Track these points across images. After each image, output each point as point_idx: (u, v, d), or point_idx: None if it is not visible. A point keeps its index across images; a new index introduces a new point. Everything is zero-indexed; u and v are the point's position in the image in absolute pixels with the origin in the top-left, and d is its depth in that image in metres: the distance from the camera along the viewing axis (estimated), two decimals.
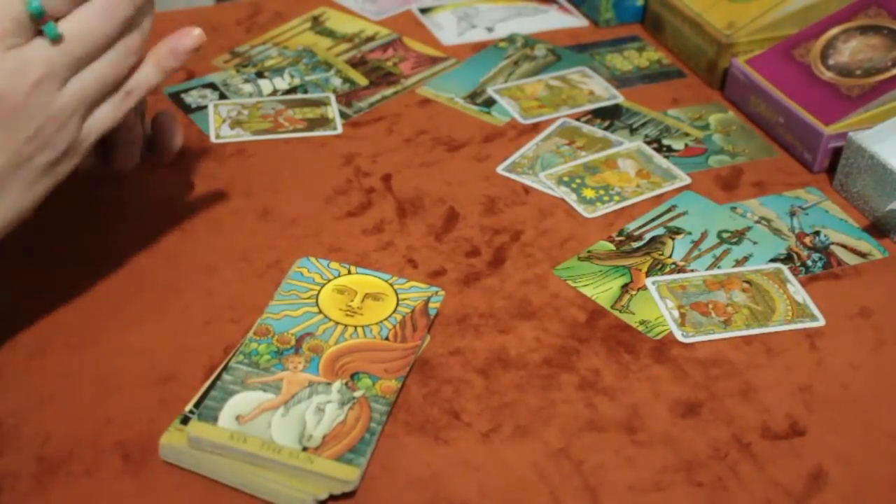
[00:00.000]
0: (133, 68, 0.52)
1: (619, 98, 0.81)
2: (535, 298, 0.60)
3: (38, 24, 0.47)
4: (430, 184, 0.70)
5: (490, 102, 0.80)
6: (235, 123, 0.75)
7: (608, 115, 0.79)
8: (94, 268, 0.61)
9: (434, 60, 0.86)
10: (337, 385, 0.51)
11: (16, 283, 0.59)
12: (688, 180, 0.71)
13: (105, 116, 0.51)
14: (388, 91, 0.81)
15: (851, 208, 0.69)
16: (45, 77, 0.47)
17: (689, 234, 0.66)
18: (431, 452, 0.50)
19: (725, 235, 0.66)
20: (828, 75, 0.74)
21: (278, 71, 0.82)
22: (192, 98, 0.78)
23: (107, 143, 0.59)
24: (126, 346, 0.55)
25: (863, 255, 0.65)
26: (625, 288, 0.61)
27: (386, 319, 0.56)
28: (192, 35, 0.53)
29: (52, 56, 0.47)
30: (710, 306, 0.60)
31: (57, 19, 0.48)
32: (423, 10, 0.94)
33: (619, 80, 0.84)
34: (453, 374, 0.55)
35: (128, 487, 0.48)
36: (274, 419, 0.49)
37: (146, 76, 0.52)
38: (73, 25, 0.48)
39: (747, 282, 0.62)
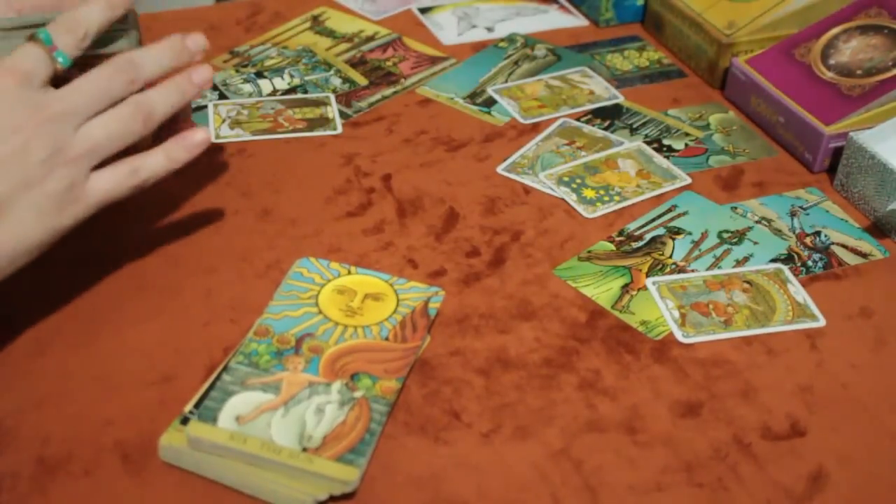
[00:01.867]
0: (141, 140, 0.56)
1: (620, 98, 0.81)
2: (535, 299, 0.60)
3: (50, 51, 0.53)
4: (430, 184, 0.70)
5: (490, 102, 0.80)
6: (235, 123, 0.75)
7: (608, 115, 0.79)
8: (94, 268, 0.61)
9: (434, 60, 0.86)
10: (337, 385, 0.51)
11: (16, 283, 0.58)
12: (688, 180, 0.71)
13: (111, 181, 0.55)
14: (388, 91, 0.81)
15: (852, 208, 0.69)
16: (60, 114, 0.52)
17: (690, 234, 0.66)
18: (431, 453, 0.50)
19: (726, 236, 0.66)
20: (828, 75, 0.74)
21: (278, 71, 0.82)
22: None
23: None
24: (126, 346, 0.55)
25: (863, 255, 0.65)
26: (625, 288, 0.61)
27: (386, 320, 0.56)
28: (200, 133, 0.59)
29: (69, 99, 0.53)
30: (711, 306, 0.60)
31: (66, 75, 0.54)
32: (423, 10, 0.93)
33: (620, 80, 0.83)
34: (453, 374, 0.55)
35: (127, 487, 0.48)
36: (274, 420, 0.49)
37: (156, 163, 0.57)
38: (85, 79, 0.54)
39: (748, 282, 0.62)
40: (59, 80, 0.54)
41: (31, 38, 0.53)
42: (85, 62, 0.55)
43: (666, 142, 0.76)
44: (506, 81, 0.83)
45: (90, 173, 0.54)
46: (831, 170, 0.72)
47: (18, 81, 0.52)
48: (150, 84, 0.57)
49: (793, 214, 0.68)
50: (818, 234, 0.66)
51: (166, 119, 0.57)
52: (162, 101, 0.57)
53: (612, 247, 0.65)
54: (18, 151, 0.51)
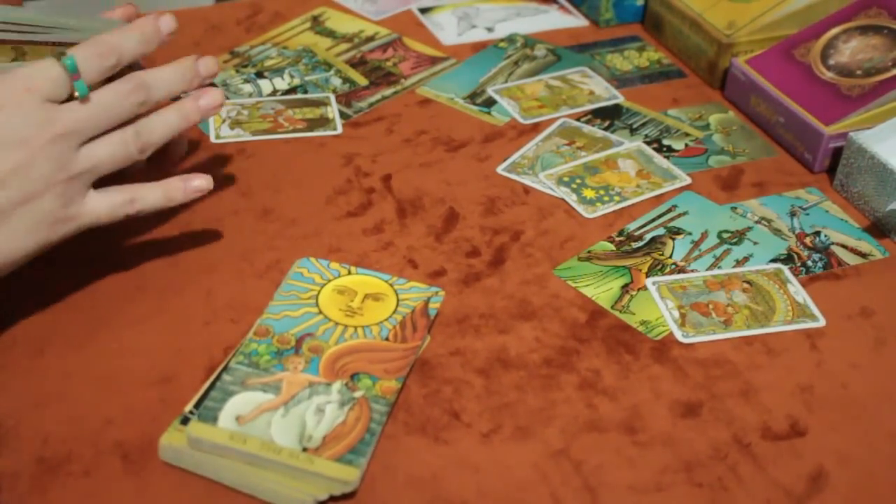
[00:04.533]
0: (136, 170, 0.58)
1: (619, 98, 0.81)
2: (535, 299, 0.60)
3: (72, 79, 0.52)
4: (430, 184, 0.70)
5: (490, 102, 0.80)
6: (235, 123, 0.75)
7: (608, 115, 0.79)
8: (94, 268, 0.61)
9: (434, 60, 0.86)
10: (337, 385, 0.51)
11: (16, 283, 0.58)
12: (688, 180, 0.71)
13: (107, 206, 0.55)
14: (388, 91, 0.81)
15: (852, 208, 0.69)
16: (67, 133, 0.52)
17: (690, 234, 0.66)
18: (431, 453, 0.50)
19: (726, 236, 0.66)
20: (828, 75, 0.74)
21: (278, 71, 0.82)
22: None
23: None
24: (126, 346, 0.55)
25: (863, 255, 0.65)
26: (625, 288, 0.61)
27: (386, 320, 0.56)
28: (200, 179, 0.59)
29: (78, 117, 0.53)
30: (711, 306, 0.60)
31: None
32: (423, 10, 0.93)
33: (619, 80, 0.83)
34: (453, 374, 0.55)
35: (127, 488, 0.48)
36: (274, 420, 0.49)
37: (153, 198, 0.57)
38: (98, 97, 0.53)
39: (748, 282, 0.62)
40: None
41: (59, 56, 0.52)
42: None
43: (666, 142, 0.76)
44: (506, 81, 0.83)
45: (87, 192, 0.54)
46: (831, 170, 0.72)
47: (33, 95, 0.51)
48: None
49: (793, 214, 0.68)
50: (818, 234, 0.66)
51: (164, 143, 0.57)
52: (161, 127, 0.56)
53: (612, 247, 0.65)
54: (22, 166, 0.51)
